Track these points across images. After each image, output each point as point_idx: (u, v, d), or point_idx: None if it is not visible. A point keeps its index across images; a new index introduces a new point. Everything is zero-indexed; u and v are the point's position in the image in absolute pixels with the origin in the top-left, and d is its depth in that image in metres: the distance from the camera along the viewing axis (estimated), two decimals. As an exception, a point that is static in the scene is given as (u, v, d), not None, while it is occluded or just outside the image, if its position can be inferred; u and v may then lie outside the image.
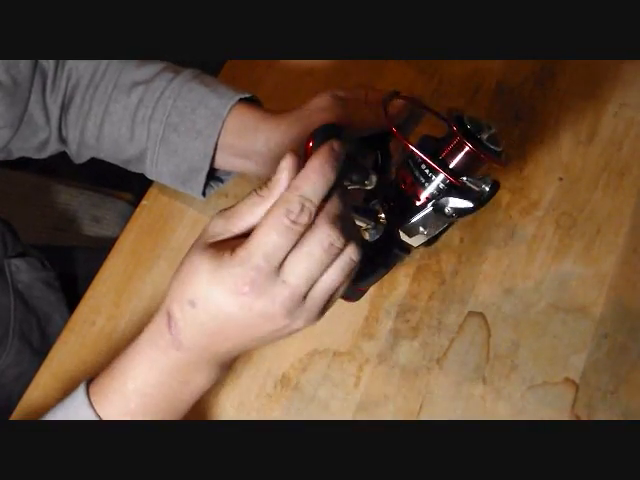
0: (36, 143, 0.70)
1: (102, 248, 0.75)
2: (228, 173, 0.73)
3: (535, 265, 0.71)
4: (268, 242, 0.44)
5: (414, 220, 0.57)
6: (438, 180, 0.56)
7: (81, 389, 0.54)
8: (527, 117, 0.77)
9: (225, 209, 0.48)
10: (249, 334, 0.48)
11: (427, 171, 0.56)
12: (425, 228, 0.57)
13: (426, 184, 0.56)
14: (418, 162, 0.57)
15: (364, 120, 0.67)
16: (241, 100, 0.67)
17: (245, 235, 0.46)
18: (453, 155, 0.56)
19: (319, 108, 0.65)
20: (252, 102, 0.68)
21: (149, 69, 0.69)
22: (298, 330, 0.48)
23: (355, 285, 0.56)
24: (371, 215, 0.56)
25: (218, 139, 0.66)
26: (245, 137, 0.66)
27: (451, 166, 0.56)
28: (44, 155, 0.73)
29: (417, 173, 0.56)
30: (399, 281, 0.70)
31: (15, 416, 0.66)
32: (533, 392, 0.65)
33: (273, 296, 0.45)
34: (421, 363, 0.67)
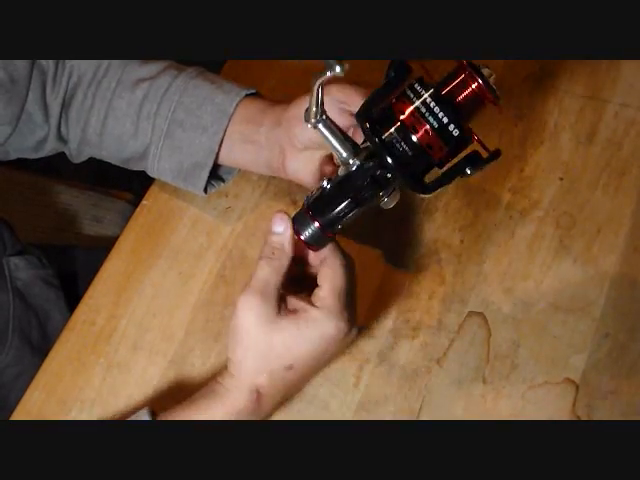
0: (34, 141, 0.70)
1: (102, 248, 0.75)
2: (229, 172, 0.73)
3: (535, 265, 0.71)
4: (346, 285, 0.56)
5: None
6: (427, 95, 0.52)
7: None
8: (527, 117, 0.77)
9: (248, 289, 0.55)
10: (326, 364, 0.58)
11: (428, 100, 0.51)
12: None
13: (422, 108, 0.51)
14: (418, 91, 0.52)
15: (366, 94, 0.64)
16: (246, 95, 0.67)
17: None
18: (458, 91, 0.52)
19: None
20: (257, 95, 0.69)
21: (153, 66, 0.69)
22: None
23: (325, 230, 0.56)
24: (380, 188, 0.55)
25: (224, 135, 0.67)
26: (253, 120, 0.66)
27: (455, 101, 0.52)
28: (40, 155, 0.73)
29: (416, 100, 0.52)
30: (399, 281, 0.70)
31: (15, 416, 0.66)
32: (533, 392, 0.65)
33: (353, 319, 0.57)
34: (421, 363, 0.67)
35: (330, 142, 0.55)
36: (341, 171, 0.56)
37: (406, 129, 0.52)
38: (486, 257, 0.71)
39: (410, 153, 0.52)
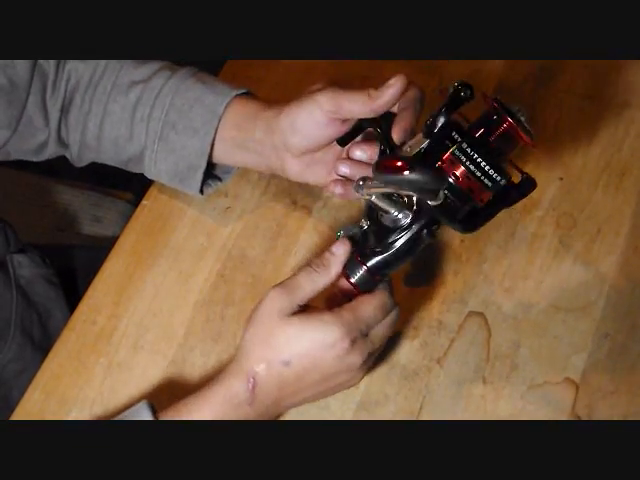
0: (34, 145, 0.70)
1: (102, 247, 0.76)
2: (227, 171, 0.73)
3: (535, 265, 0.71)
4: (371, 316, 0.57)
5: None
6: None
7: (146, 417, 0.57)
8: (527, 117, 0.77)
9: (281, 284, 0.57)
10: (324, 385, 0.57)
11: (484, 164, 0.53)
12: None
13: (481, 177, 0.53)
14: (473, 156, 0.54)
15: (356, 103, 0.62)
16: (238, 95, 0.67)
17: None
18: (491, 134, 0.54)
19: (313, 89, 0.63)
20: (249, 95, 0.68)
21: (147, 68, 0.69)
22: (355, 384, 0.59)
23: (374, 274, 0.58)
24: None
25: (215, 136, 0.67)
26: (245, 127, 0.66)
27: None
28: (42, 158, 0.73)
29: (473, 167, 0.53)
30: (399, 280, 0.70)
31: (15, 416, 0.66)
32: (533, 392, 0.65)
33: (361, 351, 0.56)
34: (421, 363, 0.67)
35: (383, 208, 0.57)
36: (387, 221, 0.57)
37: (452, 182, 0.53)
38: (486, 257, 0.71)
39: (458, 203, 0.54)
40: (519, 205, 0.72)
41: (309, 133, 0.62)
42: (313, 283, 0.57)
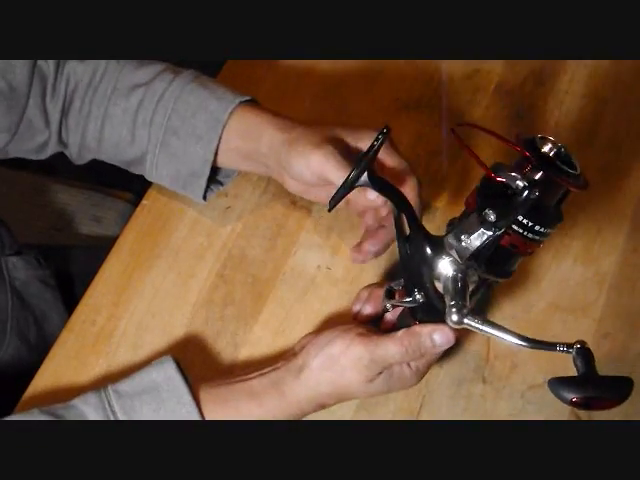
0: (35, 145, 0.70)
1: (102, 248, 0.75)
2: (228, 175, 0.73)
3: (535, 265, 0.71)
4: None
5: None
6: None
7: (186, 396, 0.56)
8: (527, 117, 0.77)
9: (372, 346, 0.57)
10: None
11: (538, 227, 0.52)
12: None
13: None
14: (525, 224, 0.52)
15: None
16: (242, 103, 0.67)
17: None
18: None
19: (326, 134, 0.63)
20: (253, 103, 0.68)
21: (148, 70, 0.68)
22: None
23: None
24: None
25: (219, 144, 0.66)
26: (249, 140, 0.66)
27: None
28: (43, 156, 0.73)
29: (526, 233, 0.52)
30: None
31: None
32: (533, 392, 0.65)
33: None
34: (421, 363, 0.67)
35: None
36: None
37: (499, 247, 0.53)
38: (486, 257, 0.71)
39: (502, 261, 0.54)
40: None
41: (310, 180, 0.63)
42: (402, 359, 0.57)
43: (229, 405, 0.57)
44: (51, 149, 0.72)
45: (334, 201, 0.55)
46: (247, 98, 0.67)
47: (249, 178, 0.75)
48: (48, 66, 0.68)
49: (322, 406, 0.59)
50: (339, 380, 0.57)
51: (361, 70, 0.79)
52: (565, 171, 0.50)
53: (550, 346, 0.53)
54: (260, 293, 0.70)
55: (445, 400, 0.66)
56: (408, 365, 0.58)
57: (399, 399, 0.66)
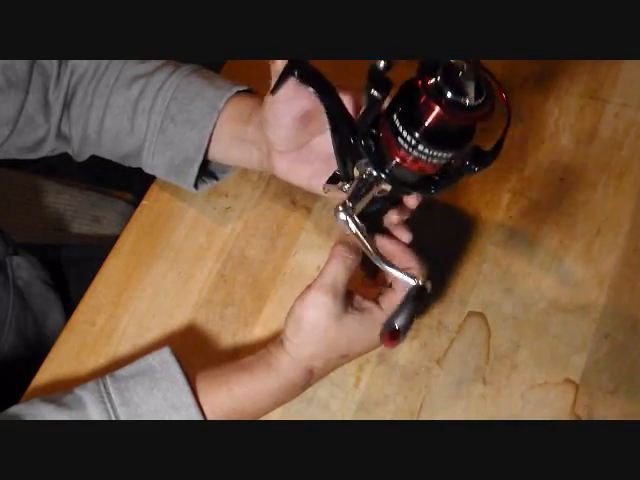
0: (31, 142, 0.71)
1: (102, 248, 0.75)
2: (224, 170, 0.73)
3: (535, 265, 0.71)
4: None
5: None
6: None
7: (185, 390, 0.57)
8: (527, 117, 0.77)
9: (321, 286, 0.56)
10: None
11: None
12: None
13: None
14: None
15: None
16: (239, 92, 0.67)
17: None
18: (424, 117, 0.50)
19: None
20: (250, 93, 0.69)
21: (150, 64, 0.70)
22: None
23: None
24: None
25: (213, 130, 0.67)
26: (240, 120, 0.66)
27: (423, 129, 0.50)
28: (39, 155, 0.73)
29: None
30: (399, 281, 0.70)
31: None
32: (533, 392, 0.65)
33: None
34: (421, 363, 0.67)
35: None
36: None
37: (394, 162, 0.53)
38: (486, 257, 0.71)
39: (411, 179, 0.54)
40: (519, 205, 0.73)
41: (287, 123, 0.61)
42: (347, 269, 0.57)
43: (220, 380, 0.58)
44: (48, 145, 0.72)
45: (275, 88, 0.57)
46: (244, 88, 0.68)
47: (249, 178, 0.75)
48: (51, 63, 0.68)
49: (311, 372, 0.59)
50: (311, 334, 0.57)
51: (361, 70, 0.79)
52: (453, 100, 0.49)
53: (399, 272, 0.56)
54: (260, 293, 0.70)
55: (445, 400, 0.66)
56: (375, 302, 0.59)
57: (399, 399, 0.66)
